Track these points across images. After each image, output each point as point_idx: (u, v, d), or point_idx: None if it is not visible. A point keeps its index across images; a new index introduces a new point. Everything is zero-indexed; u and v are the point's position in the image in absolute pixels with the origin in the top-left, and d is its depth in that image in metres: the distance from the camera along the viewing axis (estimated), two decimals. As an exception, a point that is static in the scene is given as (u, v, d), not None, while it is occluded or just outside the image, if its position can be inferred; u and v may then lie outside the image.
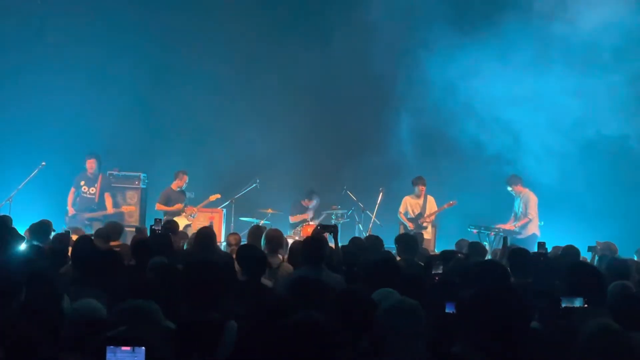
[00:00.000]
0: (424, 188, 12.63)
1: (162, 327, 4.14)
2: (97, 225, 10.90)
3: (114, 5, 14.12)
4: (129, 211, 12.82)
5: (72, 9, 14.06)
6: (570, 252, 7.85)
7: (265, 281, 6.09)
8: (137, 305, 4.15)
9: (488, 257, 10.45)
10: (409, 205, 12.72)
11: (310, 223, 12.53)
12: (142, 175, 13.29)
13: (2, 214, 9.92)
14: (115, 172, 13.17)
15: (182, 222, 12.45)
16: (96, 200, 12.49)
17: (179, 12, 14.37)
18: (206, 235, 7.69)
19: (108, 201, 12.55)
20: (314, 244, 6.14)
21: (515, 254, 6.66)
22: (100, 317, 4.11)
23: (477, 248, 8.24)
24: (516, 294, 3.35)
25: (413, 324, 3.67)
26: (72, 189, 12.57)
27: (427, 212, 12.59)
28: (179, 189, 12.81)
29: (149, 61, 14.27)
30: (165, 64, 14.51)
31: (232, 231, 11.45)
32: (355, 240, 8.18)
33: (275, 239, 7.33)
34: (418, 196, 12.69)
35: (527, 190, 12.25)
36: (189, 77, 14.50)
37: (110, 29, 14.17)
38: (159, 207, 12.66)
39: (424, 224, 12.55)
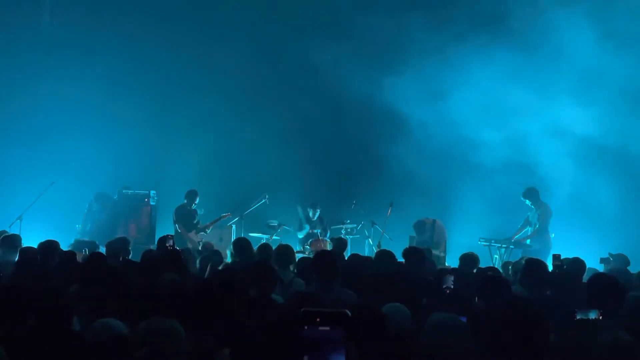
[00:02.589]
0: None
1: (186, 349, 4.07)
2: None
3: (124, 22, 14.21)
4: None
5: (81, 25, 14.19)
6: (576, 264, 7.77)
7: (276, 297, 6.06)
8: (162, 325, 4.09)
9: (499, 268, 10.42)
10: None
11: (320, 238, 12.51)
12: (151, 192, 13.32)
13: (12, 232, 9.97)
14: (125, 190, 13.21)
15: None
16: (109, 221, 12.55)
17: (193, 33, 14.46)
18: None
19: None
20: (325, 259, 6.10)
21: (531, 267, 6.56)
22: (121, 335, 4.04)
23: (469, 258, 8.22)
24: (532, 306, 3.31)
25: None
26: (86, 210, 12.63)
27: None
28: (191, 207, 12.82)
29: (160, 80, 14.35)
30: (176, 82, 14.59)
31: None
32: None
33: (286, 255, 7.31)
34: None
35: (542, 203, 12.20)
36: (198, 96, 14.57)
37: (121, 45, 14.25)
38: (182, 231, 12.64)
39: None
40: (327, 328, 2.20)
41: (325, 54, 13.90)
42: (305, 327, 2.14)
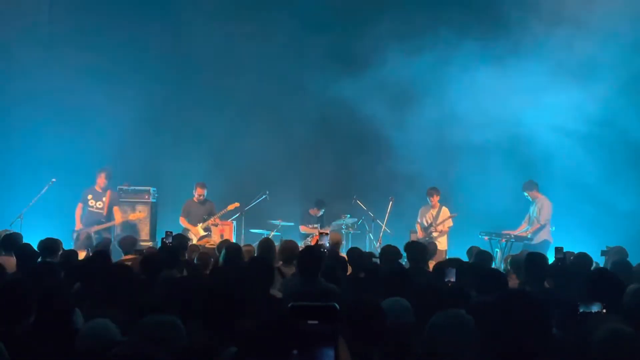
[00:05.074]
0: (436, 198, 12.62)
1: (184, 344, 4.06)
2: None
3: (125, 17, 14.15)
4: (137, 219, 12.78)
5: (81, 20, 14.14)
6: (583, 259, 7.76)
7: (276, 292, 6.06)
8: (161, 321, 4.07)
9: (499, 264, 10.42)
10: (423, 215, 12.72)
11: (319, 228, 12.50)
12: (151, 189, 13.28)
13: (13, 231, 9.97)
14: (125, 187, 13.17)
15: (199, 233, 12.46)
16: (104, 213, 12.46)
17: (192, 31, 14.41)
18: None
19: (117, 214, 12.52)
20: (308, 255, 6.13)
21: (533, 261, 6.52)
22: (112, 338, 4.02)
23: (484, 256, 8.19)
24: (533, 301, 3.30)
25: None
26: (80, 204, 12.52)
27: (439, 221, 12.56)
28: (199, 201, 12.76)
29: (162, 75, 14.31)
30: (177, 79, 14.58)
31: (243, 243, 11.43)
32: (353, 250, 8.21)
33: (289, 250, 7.33)
34: (432, 206, 12.68)
35: (542, 196, 12.22)
36: (198, 93, 14.57)
37: (122, 41, 14.15)
38: (182, 220, 12.61)
39: (434, 234, 12.50)
40: (316, 322, 2.20)
41: (324, 56, 13.96)
42: (294, 322, 2.15)
